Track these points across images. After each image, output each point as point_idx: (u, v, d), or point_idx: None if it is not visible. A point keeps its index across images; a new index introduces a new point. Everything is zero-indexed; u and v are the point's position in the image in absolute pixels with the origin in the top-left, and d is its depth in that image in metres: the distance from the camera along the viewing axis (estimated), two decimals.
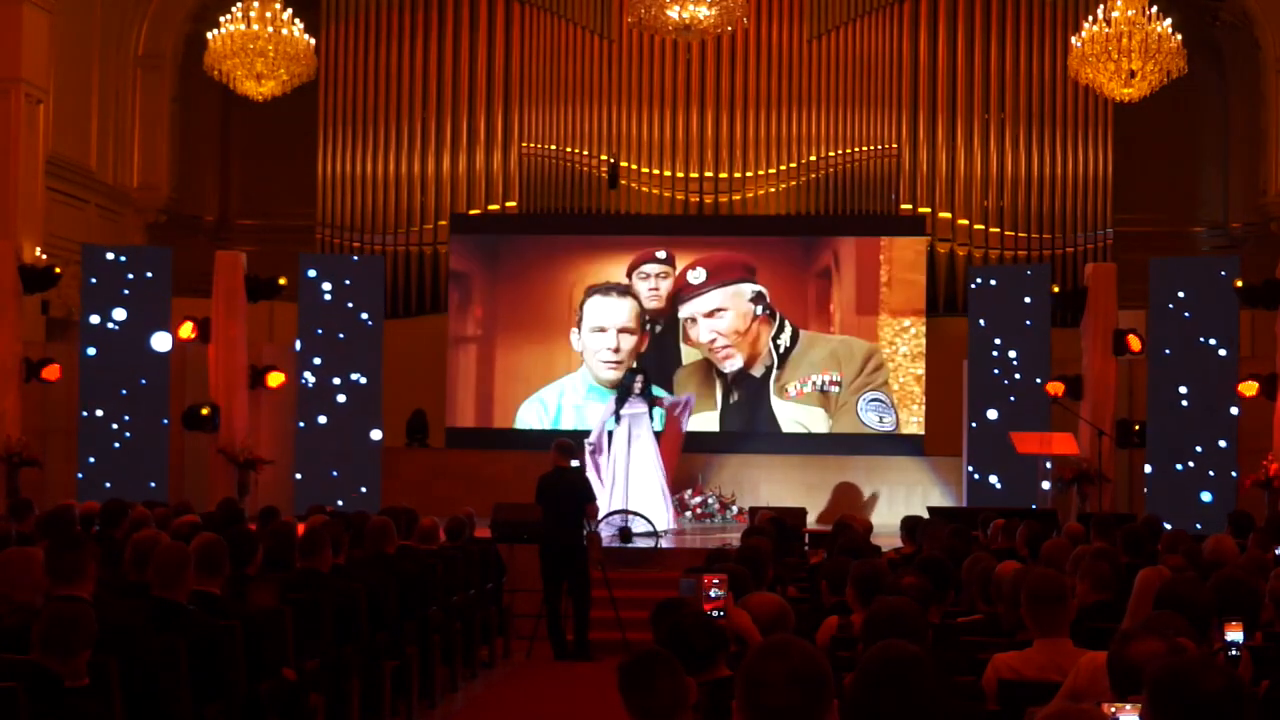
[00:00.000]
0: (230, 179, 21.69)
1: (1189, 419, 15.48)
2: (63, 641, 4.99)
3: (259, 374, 16.76)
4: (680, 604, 5.19)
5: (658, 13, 15.22)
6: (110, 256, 16.33)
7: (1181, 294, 15.72)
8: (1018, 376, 16.13)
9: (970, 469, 16.17)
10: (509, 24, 19.88)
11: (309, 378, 16.53)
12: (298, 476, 16.37)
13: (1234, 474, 15.30)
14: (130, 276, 16.08)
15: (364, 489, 16.14)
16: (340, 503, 14.72)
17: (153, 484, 15.32)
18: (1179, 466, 15.43)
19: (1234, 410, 15.45)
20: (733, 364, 17.66)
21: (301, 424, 16.52)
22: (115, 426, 15.75)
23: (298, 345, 16.70)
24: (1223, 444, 15.37)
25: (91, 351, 15.93)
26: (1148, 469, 15.60)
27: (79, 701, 4.98)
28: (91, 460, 15.68)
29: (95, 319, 15.99)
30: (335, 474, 16.28)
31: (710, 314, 17.64)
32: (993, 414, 16.06)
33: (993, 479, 15.96)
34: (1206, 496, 15.19)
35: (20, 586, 5.88)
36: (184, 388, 16.58)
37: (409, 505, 11.13)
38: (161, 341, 15.91)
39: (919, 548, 9.45)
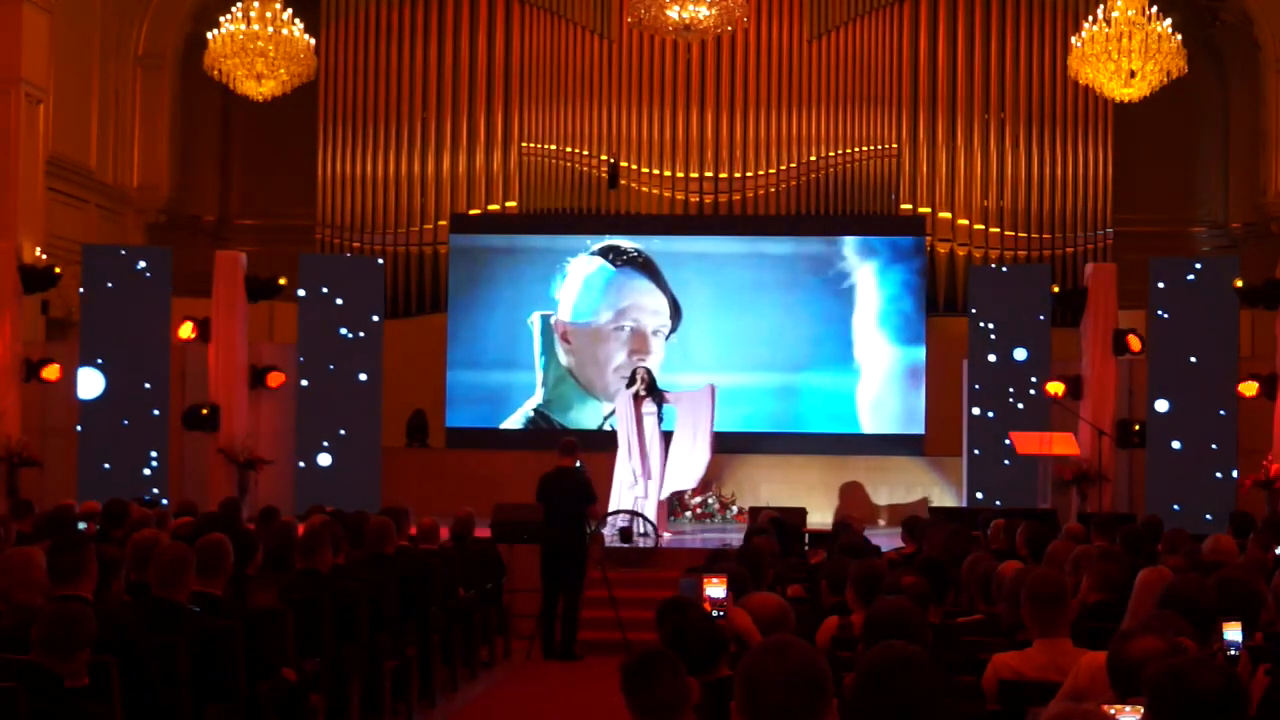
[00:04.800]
0: (230, 179, 21.68)
1: (1189, 419, 15.49)
2: (62, 641, 4.99)
3: (259, 374, 16.76)
4: (685, 604, 5.18)
5: (658, 13, 15.22)
6: (110, 256, 16.34)
7: (1181, 294, 15.73)
8: (1018, 376, 16.13)
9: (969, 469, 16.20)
10: (509, 24, 19.87)
11: (308, 377, 16.53)
12: (297, 475, 16.38)
13: (1234, 474, 15.31)
14: (130, 276, 16.08)
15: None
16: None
17: (161, 486, 15.34)
18: (1178, 467, 15.43)
19: (1233, 410, 15.46)
20: None
21: (301, 423, 16.50)
22: (115, 426, 15.72)
23: (306, 320, 16.61)
24: (1222, 444, 15.37)
25: (92, 351, 15.92)
26: (1147, 468, 15.62)
27: (79, 701, 4.98)
28: (91, 460, 15.67)
29: (95, 319, 15.98)
30: (335, 474, 16.28)
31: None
32: (992, 414, 16.09)
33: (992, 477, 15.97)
34: (1206, 497, 15.17)
35: (21, 587, 5.88)
36: (184, 388, 16.57)
37: (409, 505, 11.12)
38: (89, 384, 15.86)
39: (919, 548, 9.45)
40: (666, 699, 3.85)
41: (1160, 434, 15.60)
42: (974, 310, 16.57)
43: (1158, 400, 15.61)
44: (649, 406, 14.79)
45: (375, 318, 16.71)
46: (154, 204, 20.09)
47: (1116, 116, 18.96)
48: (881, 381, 17.74)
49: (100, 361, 15.87)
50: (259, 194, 21.37)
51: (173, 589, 6.11)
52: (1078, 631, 5.57)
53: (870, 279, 17.86)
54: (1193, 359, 15.55)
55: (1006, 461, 15.62)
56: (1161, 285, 15.85)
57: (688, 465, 15.45)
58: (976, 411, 16.09)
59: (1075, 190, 19.30)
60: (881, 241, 18.08)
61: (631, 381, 14.98)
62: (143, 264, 16.24)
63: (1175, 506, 14.80)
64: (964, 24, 19.50)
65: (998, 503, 15.31)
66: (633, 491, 14.48)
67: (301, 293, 16.61)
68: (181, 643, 5.77)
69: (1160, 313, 15.78)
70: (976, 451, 16.07)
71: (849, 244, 18.04)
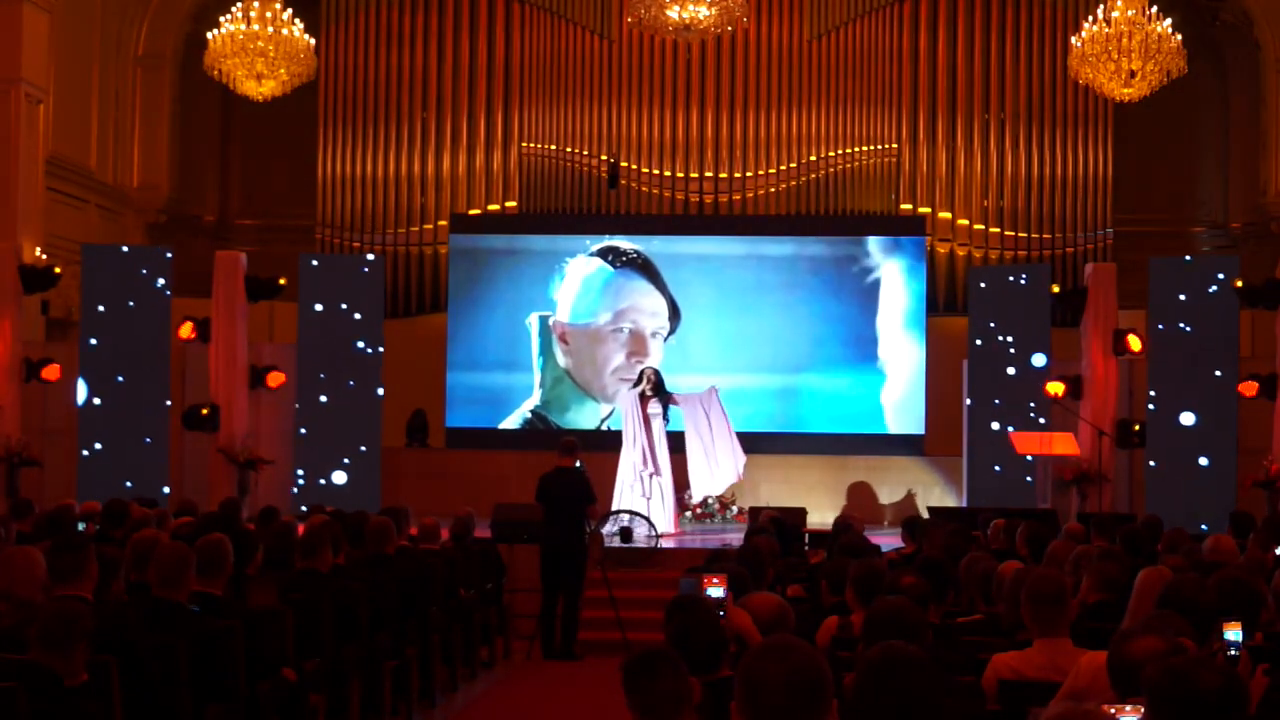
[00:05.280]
0: (230, 179, 21.69)
1: (1189, 419, 15.47)
2: (60, 638, 4.99)
3: (259, 374, 16.76)
4: (694, 603, 5.18)
5: (658, 13, 15.22)
6: (110, 256, 16.35)
7: (1181, 294, 15.72)
8: (1017, 376, 16.12)
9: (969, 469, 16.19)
10: (509, 24, 19.88)
11: (310, 380, 16.52)
12: (298, 476, 16.38)
13: (1234, 474, 15.29)
14: (130, 276, 16.07)
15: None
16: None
17: (162, 487, 15.33)
18: (1179, 467, 15.41)
19: (1233, 410, 15.45)
20: None
21: (301, 425, 16.50)
22: (115, 426, 15.72)
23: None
24: (1222, 444, 15.36)
25: (92, 350, 15.91)
26: (1147, 469, 15.59)
27: (78, 700, 4.98)
28: (92, 461, 15.66)
29: (95, 319, 15.99)
30: (335, 474, 16.27)
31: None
32: (994, 419, 16.09)
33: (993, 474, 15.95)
34: (1206, 497, 15.14)
35: (22, 584, 5.89)
36: (184, 388, 16.57)
37: (409, 505, 11.13)
38: (80, 391, 15.87)
39: (919, 548, 9.45)
40: (667, 698, 3.85)
41: (1161, 435, 15.57)
42: (974, 310, 16.55)
43: (1183, 413, 15.46)
44: (655, 407, 14.79)
45: (375, 317, 16.70)
46: (154, 204, 20.09)
47: (1116, 116, 18.97)
48: (906, 381, 17.65)
49: (100, 362, 15.85)
50: (259, 194, 21.38)
51: (173, 589, 6.11)
52: (1078, 631, 5.57)
53: (893, 277, 17.76)
54: (1193, 359, 15.52)
55: (1028, 479, 15.56)
56: (1162, 286, 15.82)
57: (721, 467, 15.37)
58: (996, 426, 15.96)
59: (1075, 190, 19.30)
60: (909, 241, 18.02)
61: (638, 381, 14.98)
62: (143, 264, 16.24)
63: (1204, 526, 13.45)
64: (964, 24, 19.51)
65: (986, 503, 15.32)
66: (635, 491, 14.48)
67: (319, 307, 16.59)
68: (181, 643, 5.77)
69: (1162, 321, 15.73)
70: (998, 469, 15.87)
71: (873, 243, 17.95)
